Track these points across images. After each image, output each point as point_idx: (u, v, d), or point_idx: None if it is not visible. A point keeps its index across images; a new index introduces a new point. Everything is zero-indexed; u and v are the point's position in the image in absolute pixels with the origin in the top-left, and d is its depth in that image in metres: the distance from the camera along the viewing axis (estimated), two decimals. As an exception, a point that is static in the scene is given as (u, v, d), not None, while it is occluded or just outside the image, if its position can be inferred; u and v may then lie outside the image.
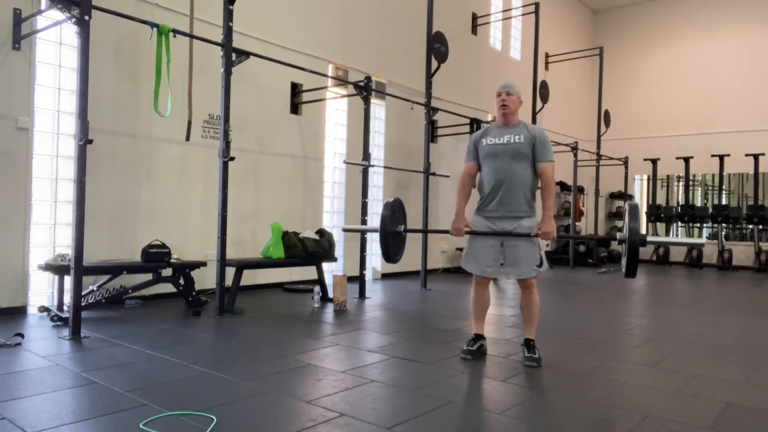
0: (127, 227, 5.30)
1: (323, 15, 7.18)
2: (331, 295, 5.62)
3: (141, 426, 2.28)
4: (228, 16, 4.85)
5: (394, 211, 3.65)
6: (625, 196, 12.68)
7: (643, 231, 3.17)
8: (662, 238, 3.41)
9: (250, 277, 6.17)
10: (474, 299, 3.65)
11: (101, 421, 2.35)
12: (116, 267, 4.69)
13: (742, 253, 11.50)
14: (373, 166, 6.47)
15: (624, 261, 3.15)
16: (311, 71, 5.93)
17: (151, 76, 4.47)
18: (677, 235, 12.79)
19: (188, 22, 4.98)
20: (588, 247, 11.64)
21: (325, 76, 6.73)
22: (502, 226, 3.46)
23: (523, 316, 3.62)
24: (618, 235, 3.24)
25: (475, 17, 9.99)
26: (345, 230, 4.10)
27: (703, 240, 3.20)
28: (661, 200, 12.54)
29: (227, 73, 4.83)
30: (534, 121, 9.28)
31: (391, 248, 3.63)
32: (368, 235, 6.37)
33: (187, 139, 4.88)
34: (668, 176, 12.98)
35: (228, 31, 4.84)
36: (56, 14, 4.08)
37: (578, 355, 3.79)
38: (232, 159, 4.82)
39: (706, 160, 11.71)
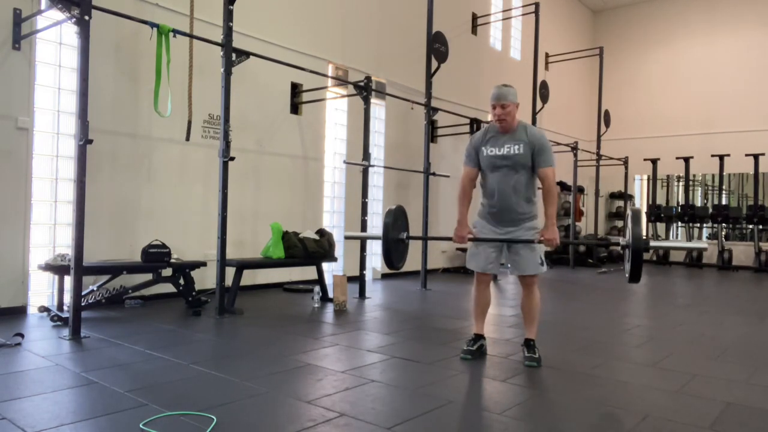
0: (127, 227, 5.30)
1: (323, 15, 7.18)
2: (331, 295, 5.62)
3: (141, 426, 2.28)
4: (228, 16, 4.85)
5: (397, 218, 3.64)
6: (625, 196, 12.68)
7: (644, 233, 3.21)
8: (664, 243, 3.35)
9: (250, 277, 6.17)
10: (475, 298, 3.66)
11: (101, 421, 2.35)
12: (116, 267, 4.69)
13: (742, 253, 11.50)
14: (373, 166, 6.47)
15: (627, 266, 3.14)
16: (311, 71, 5.93)
17: (151, 76, 4.47)
18: (677, 236, 12.81)
19: (188, 22, 4.97)
20: (588, 248, 11.63)
21: (325, 76, 6.73)
22: (505, 228, 3.53)
23: (524, 316, 3.63)
24: (621, 240, 3.24)
25: (475, 17, 9.99)
26: (347, 237, 4.09)
27: (705, 244, 3.17)
28: (661, 200, 12.54)
29: (227, 73, 4.83)
30: (534, 122, 9.27)
31: (394, 255, 3.61)
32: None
33: (187, 139, 4.88)
34: (668, 176, 12.98)
35: (228, 31, 4.84)
36: (56, 14, 4.08)
37: (578, 355, 3.79)
38: (232, 159, 4.82)
39: (706, 160, 11.71)
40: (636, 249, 3.02)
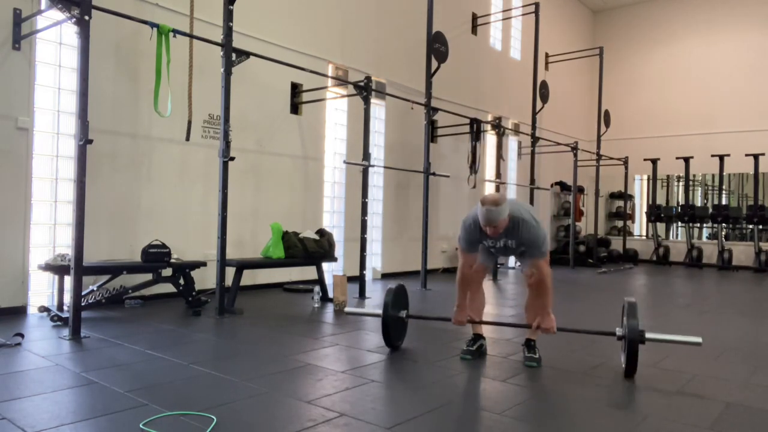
0: (127, 227, 5.30)
1: (323, 15, 7.18)
2: (331, 295, 5.62)
3: (141, 426, 2.28)
4: (228, 16, 4.85)
5: (396, 297, 3.70)
6: (625, 196, 12.68)
7: (641, 324, 3.16)
8: (659, 335, 3.31)
9: (250, 277, 6.17)
10: (469, 300, 3.66)
11: (101, 421, 2.35)
12: (116, 267, 4.69)
13: (742, 253, 11.50)
14: (373, 166, 6.47)
15: (623, 357, 3.17)
16: (311, 71, 5.93)
17: (151, 76, 4.47)
18: (677, 236, 12.82)
19: (188, 22, 4.97)
20: (588, 247, 11.64)
21: (325, 76, 6.73)
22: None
23: (528, 316, 3.65)
24: (617, 331, 3.26)
25: (475, 17, 9.99)
26: (348, 314, 4.12)
27: (699, 339, 3.21)
28: (661, 200, 12.54)
29: (227, 73, 4.83)
30: (534, 122, 9.28)
31: (392, 333, 3.66)
32: (368, 236, 6.37)
33: (187, 139, 4.88)
34: (668, 176, 12.98)
35: (228, 31, 4.84)
36: (56, 14, 4.08)
37: (578, 355, 3.79)
38: (232, 159, 4.82)
39: (706, 160, 11.71)
40: (631, 341, 3.07)
